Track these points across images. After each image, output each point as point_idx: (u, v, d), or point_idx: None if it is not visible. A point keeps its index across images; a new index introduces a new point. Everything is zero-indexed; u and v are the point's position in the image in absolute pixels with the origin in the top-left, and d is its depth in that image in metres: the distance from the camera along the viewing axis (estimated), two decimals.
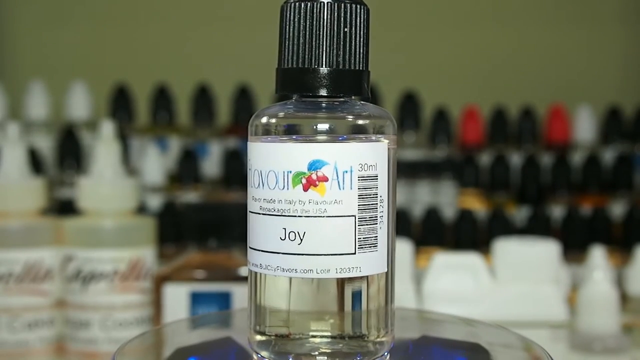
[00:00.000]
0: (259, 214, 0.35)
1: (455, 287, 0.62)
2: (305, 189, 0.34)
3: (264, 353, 0.35)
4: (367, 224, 0.35)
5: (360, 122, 0.35)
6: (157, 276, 0.59)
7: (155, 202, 0.89)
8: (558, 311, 0.62)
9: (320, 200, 0.34)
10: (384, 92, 0.99)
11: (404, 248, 0.64)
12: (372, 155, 0.34)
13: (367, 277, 0.34)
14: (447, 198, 0.95)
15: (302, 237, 0.34)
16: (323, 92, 0.34)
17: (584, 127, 1.03)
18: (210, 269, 0.59)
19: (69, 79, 1.01)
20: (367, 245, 0.35)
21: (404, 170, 0.93)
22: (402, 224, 0.84)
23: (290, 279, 0.34)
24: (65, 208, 0.78)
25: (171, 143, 0.98)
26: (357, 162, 0.34)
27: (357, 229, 0.34)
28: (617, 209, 0.94)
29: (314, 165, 0.34)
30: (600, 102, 1.08)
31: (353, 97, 0.35)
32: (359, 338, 0.35)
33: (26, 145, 0.70)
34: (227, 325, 0.47)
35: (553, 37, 1.22)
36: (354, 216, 0.34)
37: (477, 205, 0.95)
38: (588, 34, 1.21)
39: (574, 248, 0.84)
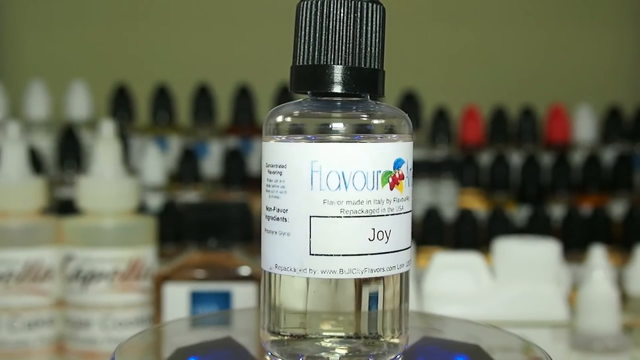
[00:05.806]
0: (339, 217, 0.34)
1: (455, 287, 0.62)
2: (392, 188, 0.34)
3: (278, 353, 0.35)
4: (411, 219, 0.36)
5: (405, 122, 0.35)
6: (157, 276, 0.59)
7: (155, 201, 0.89)
8: (558, 311, 0.62)
9: (400, 198, 0.34)
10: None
11: None
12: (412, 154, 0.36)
13: (383, 277, 0.35)
14: (447, 198, 0.95)
15: (388, 236, 0.34)
16: (338, 90, 0.34)
17: (584, 127, 1.03)
18: (210, 268, 0.59)
19: (69, 78, 1.01)
20: (410, 238, 0.36)
21: None
22: None
23: (308, 279, 0.34)
24: (65, 208, 0.78)
25: (171, 143, 0.98)
26: (411, 160, 0.35)
27: (411, 224, 0.36)
28: (617, 208, 0.94)
29: (397, 164, 0.34)
30: (600, 102, 1.08)
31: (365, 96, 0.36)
32: (374, 338, 0.35)
33: (26, 145, 0.70)
34: (227, 325, 0.47)
35: (553, 36, 1.22)
36: (411, 211, 0.35)
37: (477, 205, 0.95)
38: (588, 33, 1.21)
39: (574, 248, 0.84)
